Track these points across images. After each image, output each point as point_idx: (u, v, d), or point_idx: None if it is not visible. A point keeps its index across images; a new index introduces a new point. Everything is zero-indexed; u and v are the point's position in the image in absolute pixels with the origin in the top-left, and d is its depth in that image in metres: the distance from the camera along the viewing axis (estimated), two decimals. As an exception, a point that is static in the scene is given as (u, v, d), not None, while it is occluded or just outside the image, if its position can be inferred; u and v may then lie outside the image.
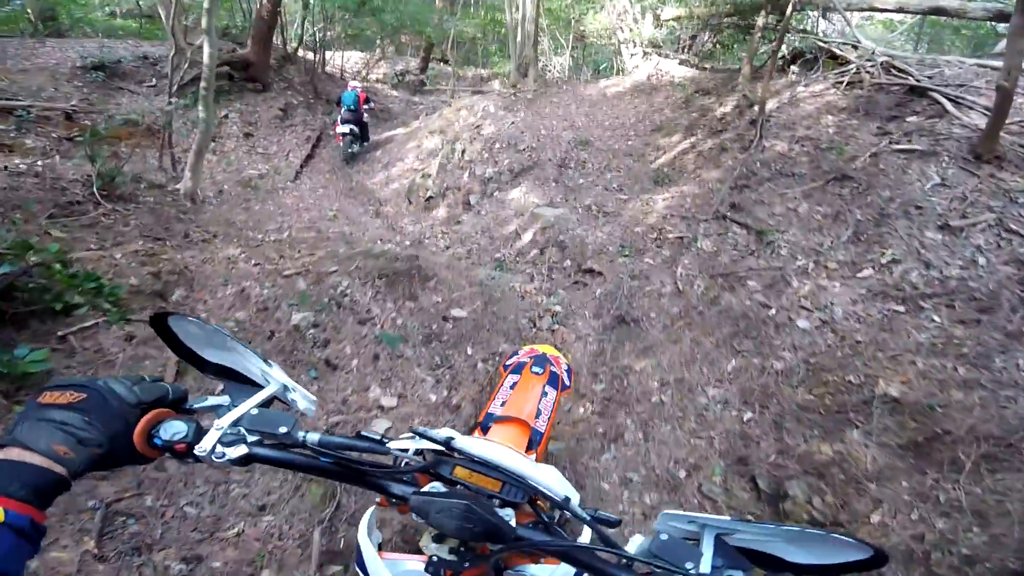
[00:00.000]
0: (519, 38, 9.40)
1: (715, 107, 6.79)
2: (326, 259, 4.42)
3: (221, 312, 3.87)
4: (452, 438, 0.77)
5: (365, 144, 9.68)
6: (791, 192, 4.68)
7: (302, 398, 0.77)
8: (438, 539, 0.79)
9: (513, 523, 0.73)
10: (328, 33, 13.15)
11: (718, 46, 8.63)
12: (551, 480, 0.79)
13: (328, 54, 13.58)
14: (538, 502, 0.77)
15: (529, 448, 1.30)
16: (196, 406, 0.72)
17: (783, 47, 7.24)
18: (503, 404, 1.40)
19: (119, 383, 0.65)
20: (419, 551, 0.84)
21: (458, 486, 0.75)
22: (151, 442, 0.65)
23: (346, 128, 9.05)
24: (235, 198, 6.96)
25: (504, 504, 0.77)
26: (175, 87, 6.67)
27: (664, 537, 0.67)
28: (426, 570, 0.79)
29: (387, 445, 0.76)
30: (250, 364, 0.78)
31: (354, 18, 12.12)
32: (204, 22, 5.65)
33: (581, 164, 6.48)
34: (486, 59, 14.36)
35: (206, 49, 5.64)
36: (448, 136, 8.59)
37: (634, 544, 0.69)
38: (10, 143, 6.61)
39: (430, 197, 7.08)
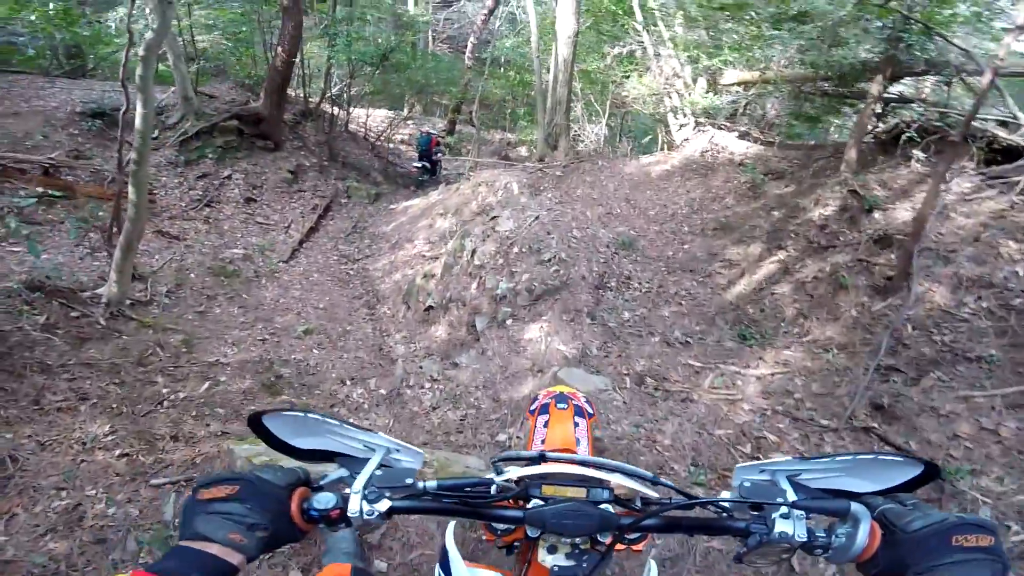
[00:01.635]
0: (548, 104, 7.75)
1: (806, 204, 4.86)
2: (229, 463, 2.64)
3: (29, 541, 2.30)
4: (544, 452, 0.81)
5: (434, 177, 10.52)
6: (981, 397, 2.69)
7: (409, 456, 0.77)
8: (551, 550, 0.77)
9: None
10: (354, 89, 11.85)
11: (800, 118, 6.69)
12: (633, 468, 0.79)
13: (354, 111, 12.27)
14: (620, 497, 0.79)
15: None
16: (323, 482, 0.74)
17: (891, 122, 5.28)
18: (543, 441, 1.37)
19: (264, 471, 0.68)
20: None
21: (551, 500, 0.76)
22: (306, 516, 0.68)
23: (419, 163, 10.38)
24: (196, 295, 5.35)
25: (595, 504, 0.76)
26: (129, 157, 5.12)
27: (747, 484, 0.70)
28: None
29: (493, 479, 0.78)
30: (348, 440, 0.78)
31: (378, 73, 10.78)
32: (139, 72, 4.04)
33: (625, 282, 4.63)
34: (514, 122, 12.73)
35: (139, 110, 4.08)
36: (462, 218, 6.93)
37: (725, 498, 0.71)
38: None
39: (430, 307, 5.33)
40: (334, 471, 0.76)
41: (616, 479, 0.76)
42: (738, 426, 3.02)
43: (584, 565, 0.76)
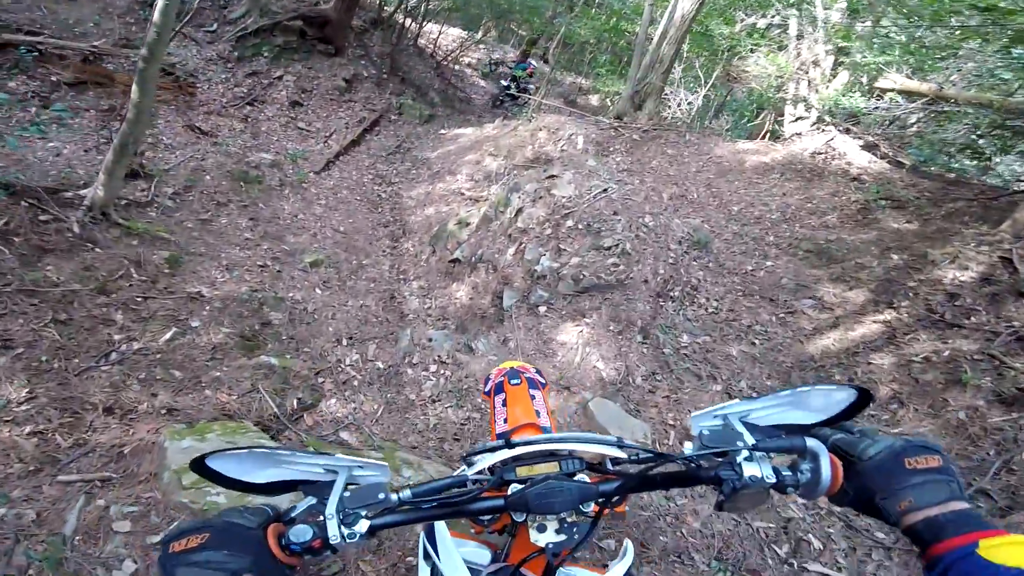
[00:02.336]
0: (647, 59, 6.58)
1: (936, 257, 3.83)
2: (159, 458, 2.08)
3: None
4: (508, 438, 0.81)
5: (512, 104, 10.03)
6: None
7: (374, 470, 0.73)
8: (541, 529, 0.77)
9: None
10: (432, 2, 10.67)
11: (965, 150, 5.41)
12: (595, 436, 0.79)
13: (427, 26, 11.12)
14: (591, 464, 0.80)
15: None
16: (294, 515, 0.69)
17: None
18: (506, 420, 1.33)
19: (230, 515, 0.64)
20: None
21: (528, 480, 0.76)
22: (287, 551, 0.64)
23: (507, 83, 10.08)
24: (205, 200, 4.76)
25: (569, 476, 0.77)
26: (140, 53, 4.40)
27: (706, 432, 0.71)
28: (546, 555, 0.77)
29: (466, 475, 0.78)
30: (306, 466, 0.72)
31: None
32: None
33: (691, 294, 3.79)
34: (592, 69, 11.26)
35: (159, 2, 3.34)
36: (512, 162, 6.10)
37: (687, 449, 0.72)
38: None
39: (457, 260, 4.64)
40: (302, 501, 0.70)
41: (589, 448, 0.77)
42: (782, 521, 2.32)
43: (575, 536, 0.75)
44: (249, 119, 6.99)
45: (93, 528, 1.80)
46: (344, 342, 3.55)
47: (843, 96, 5.65)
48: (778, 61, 6.27)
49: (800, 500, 2.31)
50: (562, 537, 0.75)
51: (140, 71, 3.41)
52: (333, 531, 0.65)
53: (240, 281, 3.69)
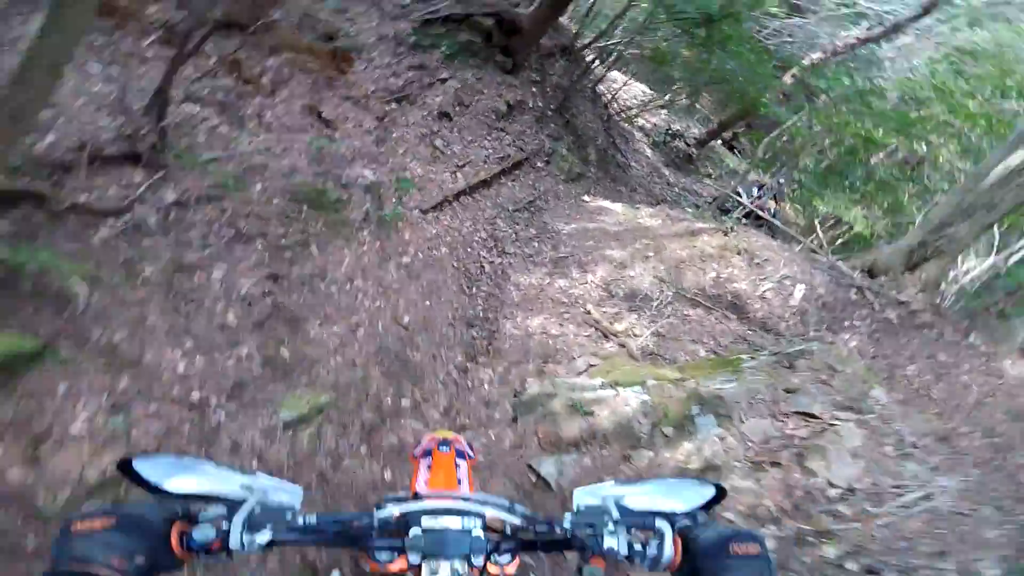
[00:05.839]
0: (965, 199, 3.60)
1: None
2: None
3: None
4: (417, 492, 0.80)
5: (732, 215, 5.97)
6: None
7: (288, 493, 0.72)
8: (432, 573, 0.73)
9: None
10: (629, 49, 8.38)
11: None
12: (493, 498, 0.81)
13: (613, 74, 8.83)
14: (490, 526, 0.79)
15: None
16: (201, 517, 0.66)
17: None
18: (427, 482, 1.30)
19: (139, 507, 0.62)
20: None
21: (428, 531, 0.75)
22: (186, 547, 0.63)
23: (741, 193, 7.20)
24: (221, 226, 2.70)
25: (468, 532, 0.76)
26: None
27: (583, 507, 0.75)
28: None
29: (374, 513, 0.75)
30: (225, 482, 0.69)
31: (684, 44, 7.04)
32: None
33: None
34: (805, 174, 7.86)
35: None
36: (678, 286, 3.63)
37: (567, 520, 0.74)
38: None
39: (547, 484, 2.10)
40: (214, 507, 0.67)
41: (486, 510, 0.79)
42: None
43: None
44: (386, 119, 4.98)
45: None
46: None
47: None
48: None
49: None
50: None
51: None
52: (235, 537, 0.62)
53: (90, 471, 1.45)
